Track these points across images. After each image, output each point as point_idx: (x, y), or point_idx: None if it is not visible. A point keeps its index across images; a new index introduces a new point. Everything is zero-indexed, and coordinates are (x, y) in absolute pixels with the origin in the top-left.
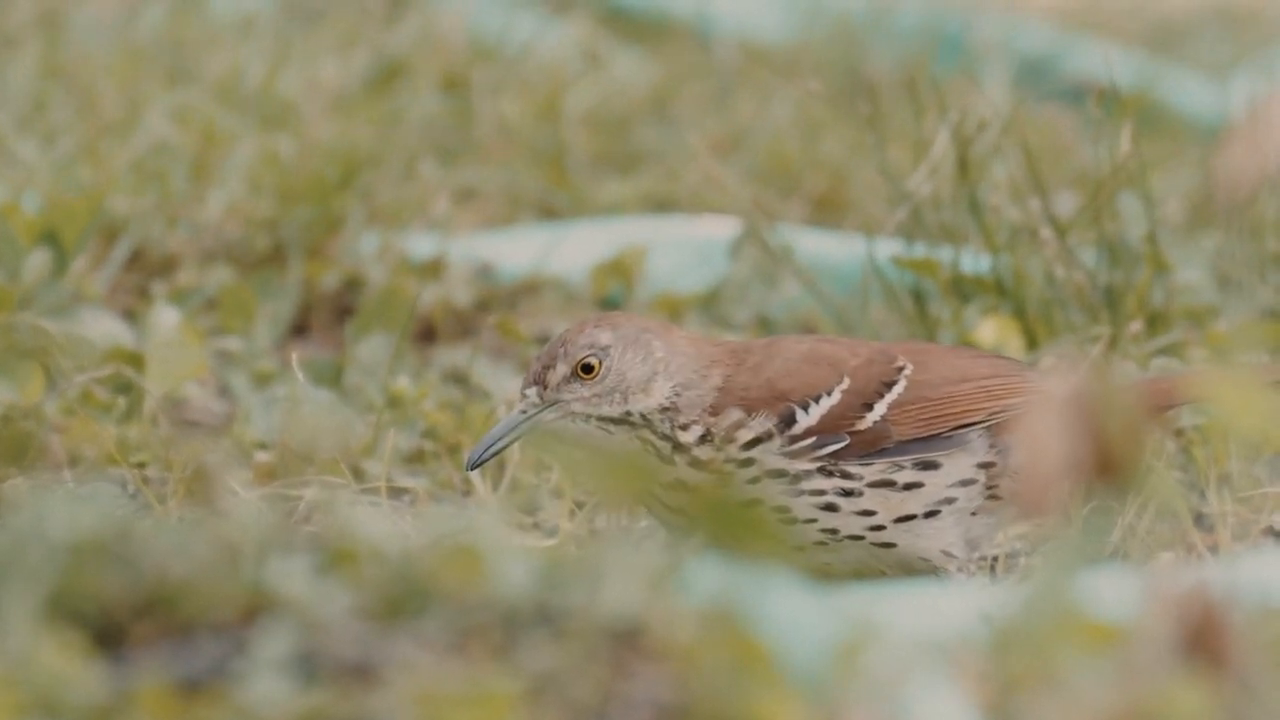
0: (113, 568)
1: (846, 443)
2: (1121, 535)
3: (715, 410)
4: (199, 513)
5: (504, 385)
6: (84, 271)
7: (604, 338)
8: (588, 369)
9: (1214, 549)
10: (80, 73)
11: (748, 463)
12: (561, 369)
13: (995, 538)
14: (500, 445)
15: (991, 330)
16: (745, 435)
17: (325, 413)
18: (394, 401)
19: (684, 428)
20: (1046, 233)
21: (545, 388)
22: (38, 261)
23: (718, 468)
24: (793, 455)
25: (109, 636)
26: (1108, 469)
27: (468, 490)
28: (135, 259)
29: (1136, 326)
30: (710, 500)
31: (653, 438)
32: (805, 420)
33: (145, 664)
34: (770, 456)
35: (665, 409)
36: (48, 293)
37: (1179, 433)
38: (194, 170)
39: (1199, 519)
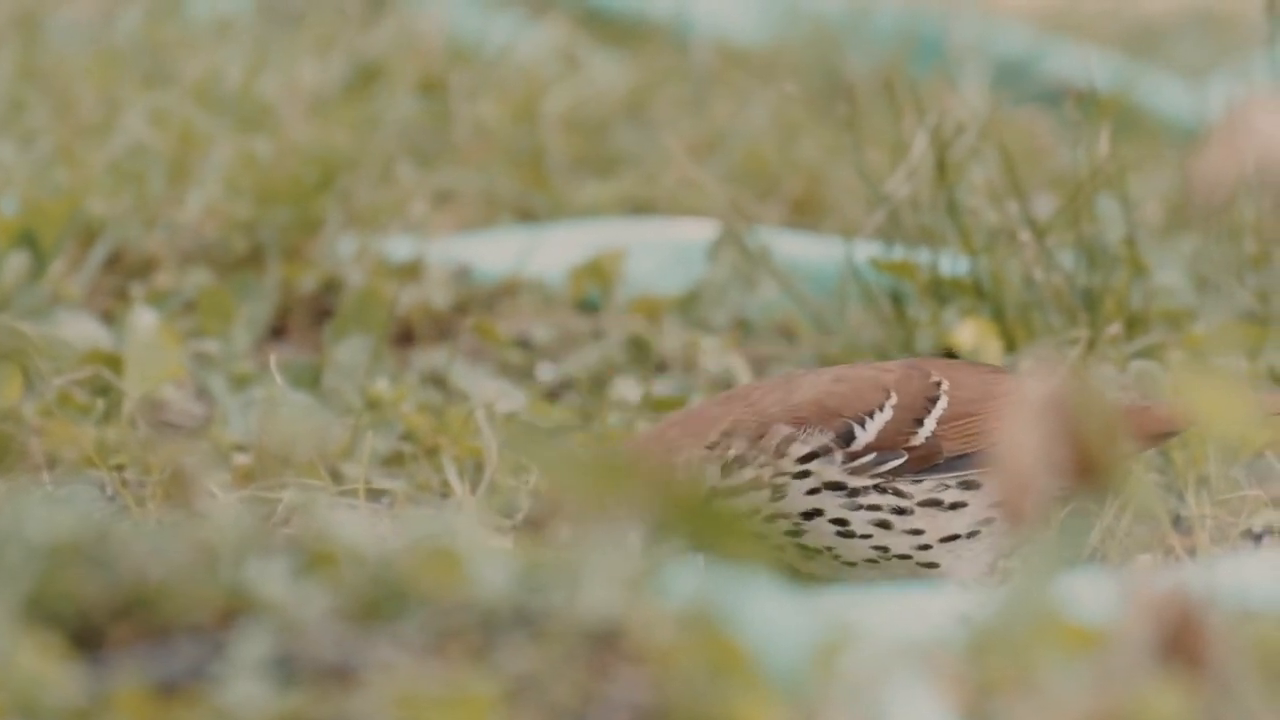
0: (91, 570)
1: (904, 459)
2: (1100, 538)
3: (761, 438)
4: (177, 515)
5: (482, 387)
6: (62, 273)
7: None
8: None
9: (1192, 552)
10: (57, 75)
11: (804, 474)
12: None
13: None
14: None
15: (970, 333)
16: (800, 449)
17: (303, 415)
18: (372, 404)
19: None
20: (1025, 235)
21: None
22: (15, 264)
23: (767, 483)
24: (853, 472)
25: (87, 638)
26: (1086, 471)
27: (446, 492)
28: (113, 261)
29: (1115, 329)
30: (687, 502)
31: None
32: (864, 436)
33: (123, 666)
34: (829, 469)
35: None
36: (25, 295)
37: None
38: (172, 172)
39: (1177, 522)
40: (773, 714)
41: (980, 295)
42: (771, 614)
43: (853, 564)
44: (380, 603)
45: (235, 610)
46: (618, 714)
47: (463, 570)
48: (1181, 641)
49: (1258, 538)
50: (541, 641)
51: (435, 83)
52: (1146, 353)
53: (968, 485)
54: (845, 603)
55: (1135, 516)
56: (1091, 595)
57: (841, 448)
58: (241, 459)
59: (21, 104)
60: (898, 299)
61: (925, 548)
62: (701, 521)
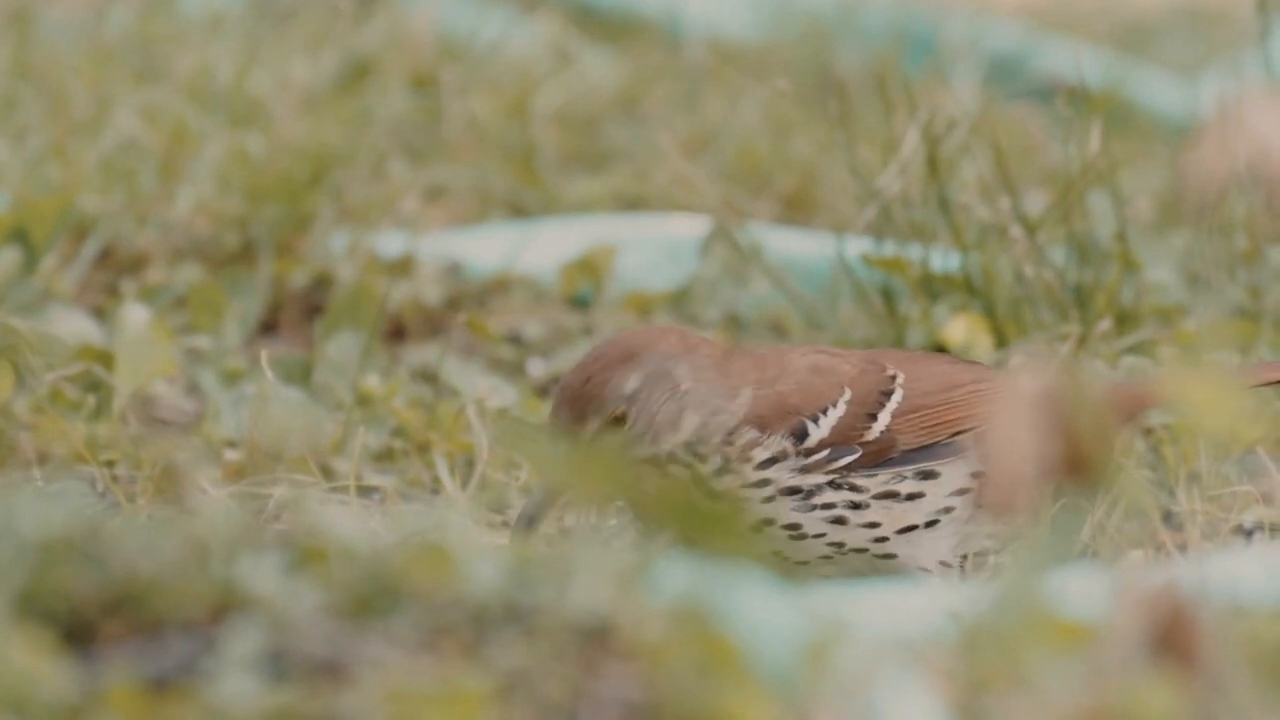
0: (82, 566)
1: (858, 454)
2: (1091, 534)
3: (733, 434)
4: (168, 511)
5: (473, 383)
6: (53, 269)
7: (630, 383)
8: (620, 420)
9: (1183, 547)
10: (49, 71)
11: (763, 483)
12: (594, 423)
13: (979, 544)
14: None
15: (961, 328)
16: (761, 455)
17: (294, 411)
18: (363, 400)
19: (702, 459)
20: (1016, 231)
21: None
22: (7, 260)
23: (733, 494)
24: (807, 470)
25: (78, 634)
26: (1077, 467)
27: (437, 489)
28: (104, 257)
29: (1106, 325)
30: (677, 499)
31: (677, 469)
32: (817, 433)
33: (114, 662)
34: (785, 474)
35: (689, 442)
36: (17, 291)
37: (1148, 431)
38: (163, 168)
39: (1168, 517)
40: (763, 710)
41: (971, 291)
42: (762, 610)
43: (804, 563)
44: (371, 599)
45: (226, 606)
46: (608, 710)
47: (454, 566)
48: (1173, 638)
49: (1249, 533)
50: (533, 638)
51: (427, 78)
52: (1137, 349)
53: (925, 475)
54: (836, 599)
55: (1126, 512)
56: (1082, 591)
57: (795, 447)
58: (232, 455)
59: (13, 100)
60: (889, 295)
61: (882, 540)
62: (692, 517)
